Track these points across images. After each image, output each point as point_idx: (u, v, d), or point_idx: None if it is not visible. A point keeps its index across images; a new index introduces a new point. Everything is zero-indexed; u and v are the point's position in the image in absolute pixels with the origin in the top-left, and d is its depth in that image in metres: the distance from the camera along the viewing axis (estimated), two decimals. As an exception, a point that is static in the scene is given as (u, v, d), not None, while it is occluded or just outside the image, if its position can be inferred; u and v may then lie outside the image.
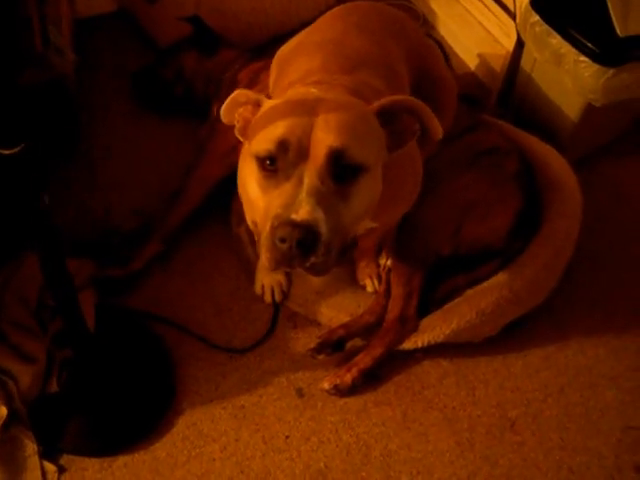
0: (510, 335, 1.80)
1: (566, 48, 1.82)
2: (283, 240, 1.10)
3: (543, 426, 1.70)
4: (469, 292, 1.73)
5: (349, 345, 1.77)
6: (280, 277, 1.84)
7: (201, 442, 1.66)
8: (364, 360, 1.71)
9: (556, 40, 1.84)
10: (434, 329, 1.71)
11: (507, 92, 2.18)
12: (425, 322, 1.73)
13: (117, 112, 2.21)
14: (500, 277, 1.72)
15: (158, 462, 1.63)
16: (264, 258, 1.15)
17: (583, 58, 1.80)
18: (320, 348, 1.73)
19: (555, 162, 1.87)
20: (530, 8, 1.87)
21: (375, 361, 1.71)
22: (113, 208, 2.00)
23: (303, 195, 1.11)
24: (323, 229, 1.10)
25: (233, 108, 1.29)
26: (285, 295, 1.84)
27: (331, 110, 1.17)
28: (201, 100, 2.12)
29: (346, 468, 1.64)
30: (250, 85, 1.96)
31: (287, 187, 1.13)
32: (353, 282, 1.85)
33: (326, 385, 1.71)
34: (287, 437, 1.67)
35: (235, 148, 1.79)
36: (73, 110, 2.02)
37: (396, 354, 1.75)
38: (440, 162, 1.77)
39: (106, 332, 1.72)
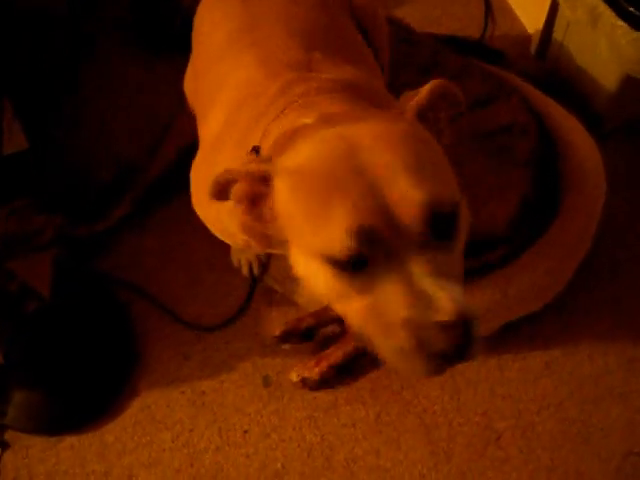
0: (509, 334, 1.59)
1: (603, 8, 1.55)
2: (438, 350, 0.80)
3: (532, 442, 1.51)
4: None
5: (329, 330, 1.61)
6: None
7: (153, 429, 1.54)
8: (335, 354, 1.54)
9: (592, -3, 1.56)
10: (414, 326, 1.52)
11: (543, 50, 1.91)
12: (405, 317, 1.54)
13: (114, 49, 2.00)
14: (494, 279, 1.50)
15: (105, 446, 1.52)
16: (406, 369, 0.84)
17: (621, 23, 1.52)
18: (285, 337, 1.56)
19: (581, 144, 1.61)
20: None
21: (347, 356, 1.54)
22: (95, 156, 1.82)
23: (427, 283, 0.80)
24: (470, 311, 0.80)
25: (225, 189, 0.95)
26: (265, 269, 1.68)
27: (381, 148, 0.85)
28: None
29: (304, 471, 1.49)
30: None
31: (394, 280, 0.82)
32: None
33: (293, 377, 1.55)
34: (245, 431, 1.53)
35: None
36: (63, 44, 1.86)
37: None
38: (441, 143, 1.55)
39: (63, 296, 1.60)
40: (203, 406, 1.56)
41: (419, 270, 0.81)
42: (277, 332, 1.57)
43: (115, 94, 1.93)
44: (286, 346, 1.57)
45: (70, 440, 1.53)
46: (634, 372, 1.58)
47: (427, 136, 0.93)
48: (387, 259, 0.82)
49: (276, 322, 1.62)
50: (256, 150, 1.05)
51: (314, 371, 1.54)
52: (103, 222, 1.70)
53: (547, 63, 1.87)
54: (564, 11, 1.68)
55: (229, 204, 1.15)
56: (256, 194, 0.92)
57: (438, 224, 0.82)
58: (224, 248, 1.69)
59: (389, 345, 0.83)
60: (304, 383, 1.54)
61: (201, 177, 1.30)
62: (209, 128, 1.27)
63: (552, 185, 1.59)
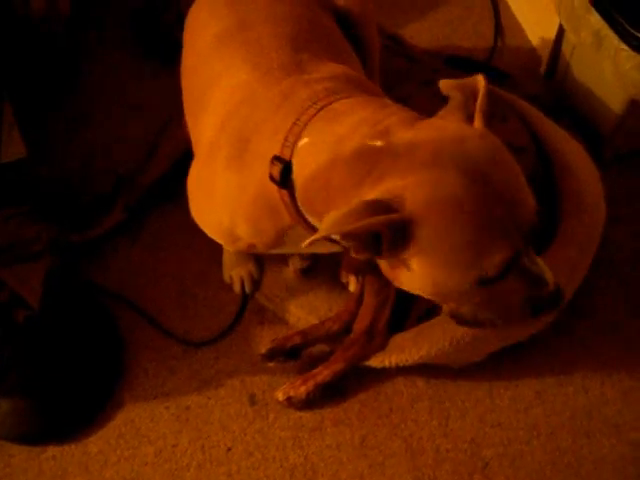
0: (501, 360, 1.55)
1: (607, 31, 1.51)
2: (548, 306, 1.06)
3: (520, 472, 1.47)
4: (444, 316, 1.48)
5: (317, 350, 1.59)
6: (251, 266, 1.65)
7: (136, 442, 1.52)
8: (323, 373, 1.51)
9: (596, 19, 1.53)
10: (403, 351, 1.48)
11: (552, 70, 1.87)
12: (394, 341, 1.50)
13: (113, 60, 2.01)
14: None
15: (88, 458, 1.51)
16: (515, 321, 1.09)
17: (625, 47, 1.48)
18: (271, 354, 1.54)
19: (582, 169, 1.57)
20: (569, -25, 1.56)
21: (335, 375, 1.51)
22: (93, 165, 1.83)
23: (540, 269, 1.03)
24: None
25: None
26: (257, 286, 1.66)
27: (496, 168, 0.95)
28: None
29: (285, 493, 1.48)
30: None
31: (514, 275, 1.00)
32: (331, 281, 1.64)
33: (280, 395, 1.52)
34: (229, 449, 1.51)
35: None
36: (51, 60, 1.87)
37: (366, 368, 1.55)
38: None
39: (52, 307, 1.59)
40: (187, 422, 1.54)
41: (528, 260, 1.00)
42: (263, 350, 1.54)
43: (114, 102, 1.93)
44: (272, 364, 1.54)
45: (53, 450, 1.51)
46: (630, 404, 1.53)
47: (497, 140, 1.01)
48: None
49: (266, 340, 1.60)
50: (279, 160, 1.06)
51: (300, 390, 1.52)
52: (95, 229, 1.70)
53: (554, 85, 1.84)
54: (569, 34, 1.64)
55: (231, 208, 1.19)
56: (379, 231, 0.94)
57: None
58: (217, 263, 1.68)
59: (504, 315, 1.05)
60: (290, 402, 1.52)
61: (199, 186, 1.30)
62: (203, 134, 1.27)
63: (549, 209, 1.56)
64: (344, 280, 1.64)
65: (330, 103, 1.07)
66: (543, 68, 1.90)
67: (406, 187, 0.92)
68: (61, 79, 1.94)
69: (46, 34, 1.80)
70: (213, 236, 1.35)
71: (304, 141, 1.05)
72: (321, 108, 1.06)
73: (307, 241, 0.94)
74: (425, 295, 1.03)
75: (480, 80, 1.01)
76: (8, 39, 1.72)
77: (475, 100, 1.01)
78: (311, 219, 1.09)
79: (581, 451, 1.49)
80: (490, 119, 1.62)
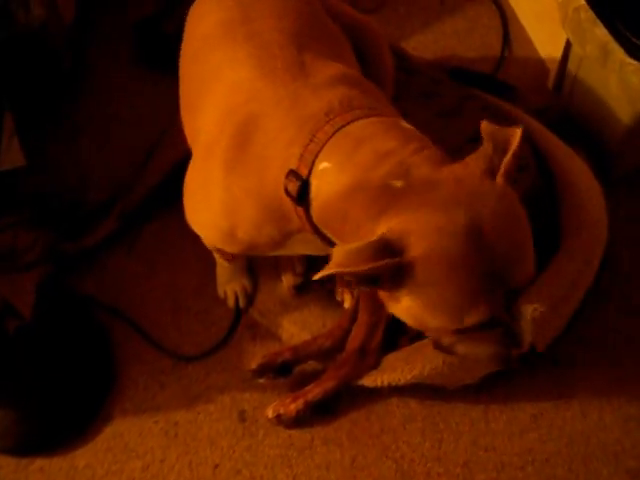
0: (497, 382, 1.51)
1: (613, 44, 1.47)
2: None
3: (513, 499, 1.44)
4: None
5: (309, 367, 1.56)
6: (245, 281, 1.63)
7: (124, 457, 1.50)
8: (313, 391, 1.49)
9: (602, 32, 1.48)
10: (395, 370, 1.45)
11: (559, 84, 1.83)
12: (387, 360, 1.47)
13: (114, 70, 1.99)
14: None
15: (75, 472, 1.50)
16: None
17: (631, 60, 1.44)
18: (261, 370, 1.51)
19: (584, 186, 1.52)
20: (575, -12, 1.52)
21: (326, 394, 1.48)
22: (90, 176, 1.81)
23: (517, 329, 1.02)
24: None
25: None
26: (250, 301, 1.64)
27: (500, 230, 0.95)
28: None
29: (272, 512, 1.45)
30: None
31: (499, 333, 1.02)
32: (325, 298, 1.61)
33: (270, 413, 1.50)
34: (216, 466, 1.49)
35: None
36: (52, 68, 1.86)
37: (358, 387, 1.52)
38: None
39: (44, 317, 1.58)
40: (176, 437, 1.52)
41: (511, 317, 0.99)
42: (253, 365, 1.52)
43: (112, 114, 1.92)
44: (262, 380, 1.52)
45: (41, 462, 1.50)
46: (630, 431, 1.48)
47: (515, 199, 1.00)
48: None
49: (258, 356, 1.57)
50: (297, 177, 1.05)
51: (290, 408, 1.49)
52: (89, 238, 1.69)
53: (561, 98, 1.79)
54: (575, 47, 1.60)
55: (231, 210, 1.18)
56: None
57: None
58: (211, 276, 1.66)
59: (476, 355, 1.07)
60: (279, 420, 1.49)
61: (196, 186, 1.28)
62: (201, 131, 1.25)
63: (549, 227, 1.52)
64: (339, 298, 1.61)
65: (347, 123, 1.05)
66: (551, 81, 1.85)
67: (413, 232, 0.94)
68: (61, 88, 1.92)
69: (47, 42, 1.79)
70: (208, 238, 1.33)
71: (324, 165, 1.04)
72: (339, 129, 1.05)
73: (317, 275, 0.94)
74: (408, 324, 1.04)
75: (516, 133, 0.98)
76: (9, 47, 1.71)
77: (505, 152, 0.98)
78: (324, 231, 1.09)
79: (577, 479, 1.45)
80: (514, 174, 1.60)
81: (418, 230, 0.94)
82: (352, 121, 1.06)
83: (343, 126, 1.05)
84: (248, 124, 1.12)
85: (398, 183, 0.98)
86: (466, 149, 1.55)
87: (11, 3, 1.58)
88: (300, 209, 1.07)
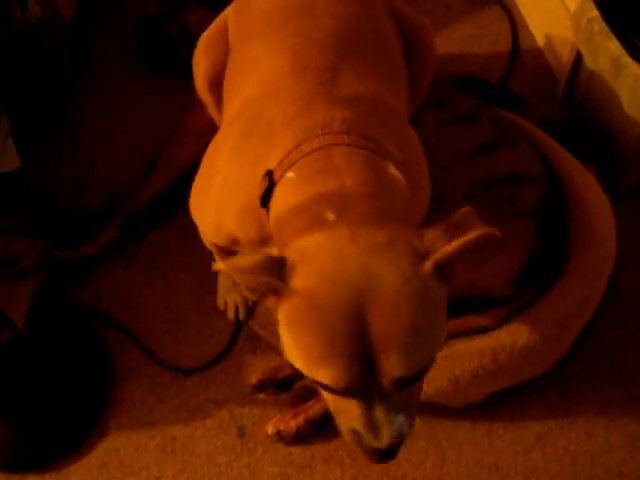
0: (502, 400, 1.48)
1: (626, 58, 1.44)
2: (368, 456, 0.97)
3: (517, 521, 1.42)
4: (442, 353, 1.41)
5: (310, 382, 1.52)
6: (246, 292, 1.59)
7: (119, 473, 1.47)
8: (315, 407, 1.46)
9: (615, 46, 1.45)
10: (399, 388, 1.42)
11: (569, 93, 1.79)
12: (391, 378, 1.44)
13: (115, 70, 1.96)
14: (482, 342, 1.39)
15: (69, 489, 1.47)
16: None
17: (644, 75, 1.41)
18: (262, 385, 1.48)
19: (594, 201, 1.50)
20: (590, -1, 1.48)
21: (327, 411, 1.45)
22: (89, 179, 1.78)
23: (379, 417, 0.91)
24: (405, 435, 0.95)
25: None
26: (251, 313, 1.60)
27: (388, 312, 0.86)
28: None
29: (270, 533, 1.42)
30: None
31: (359, 405, 0.91)
32: (328, 310, 1.58)
33: (269, 429, 1.47)
34: (214, 484, 1.46)
35: (213, 127, 1.54)
36: (51, 67, 1.81)
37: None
38: (444, 186, 1.46)
39: (39, 327, 1.54)
40: (173, 453, 1.48)
41: (381, 408, 0.91)
42: (253, 380, 1.49)
43: (113, 117, 1.88)
44: (262, 395, 1.49)
45: (33, 479, 1.46)
46: (635, 452, 1.46)
47: (437, 296, 0.90)
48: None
49: (258, 370, 1.54)
50: (269, 177, 1.02)
51: (290, 424, 1.46)
52: (89, 246, 1.65)
53: (570, 110, 1.76)
54: (587, 59, 1.56)
55: (220, 199, 1.16)
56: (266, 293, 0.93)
57: (409, 385, 0.91)
58: (211, 288, 1.62)
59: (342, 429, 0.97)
60: (279, 436, 1.46)
61: (203, 169, 1.26)
62: (227, 114, 1.25)
63: (558, 242, 1.49)
64: None
65: (336, 144, 1.01)
66: (561, 91, 1.82)
67: (307, 265, 0.89)
68: (61, 87, 1.88)
69: (46, 41, 1.74)
70: (200, 224, 1.30)
71: (290, 175, 1.01)
72: (324, 146, 1.01)
73: (214, 267, 0.93)
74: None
75: (478, 231, 0.87)
76: (7, 46, 1.67)
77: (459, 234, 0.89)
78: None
79: (582, 500, 1.43)
80: (499, 147, 1.55)
81: (312, 267, 0.89)
82: (342, 145, 1.01)
83: (330, 145, 1.01)
84: (258, 116, 1.11)
85: (330, 216, 0.93)
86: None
87: (9, 2, 1.53)
88: (264, 213, 1.05)
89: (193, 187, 1.29)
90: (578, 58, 1.68)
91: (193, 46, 1.87)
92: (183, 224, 1.69)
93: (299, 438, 1.46)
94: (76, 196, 1.75)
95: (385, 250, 0.89)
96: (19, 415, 1.49)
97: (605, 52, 1.48)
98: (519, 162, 1.52)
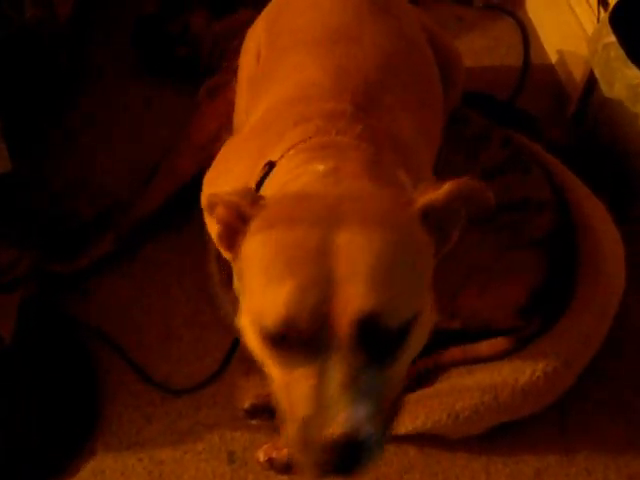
0: (502, 433, 1.44)
1: (644, 86, 1.39)
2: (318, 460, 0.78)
3: None
4: (444, 385, 1.38)
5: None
6: None
7: (104, 497, 1.43)
8: (308, 437, 1.41)
9: (634, 73, 1.39)
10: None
11: (581, 113, 1.74)
12: (388, 408, 1.40)
13: (113, 71, 1.91)
14: (484, 378, 1.35)
15: (51, 512, 1.42)
16: (299, 461, 0.82)
17: (661, 104, 1.36)
18: (254, 411, 1.43)
19: (603, 232, 1.45)
20: (607, 23, 1.42)
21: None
22: (80, 188, 1.72)
23: (334, 392, 0.77)
24: (367, 434, 0.77)
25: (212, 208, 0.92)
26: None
27: (356, 238, 0.80)
28: (204, 68, 1.79)
29: None
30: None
31: (309, 373, 0.79)
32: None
33: (261, 456, 1.41)
34: (201, 512, 1.42)
35: (214, 141, 1.55)
36: (48, 67, 1.75)
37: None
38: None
39: (25, 340, 1.49)
40: (160, 477, 1.43)
41: (336, 376, 0.78)
42: (246, 405, 1.43)
43: (112, 120, 1.83)
44: (254, 421, 1.44)
45: (17, 500, 1.43)
46: (635, 491, 1.42)
47: (417, 244, 0.86)
48: (312, 351, 0.78)
49: (251, 393, 1.49)
50: (270, 166, 1.01)
51: (283, 452, 1.41)
52: (81, 260, 1.60)
53: (582, 133, 1.70)
54: (602, 85, 1.50)
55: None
56: (231, 229, 0.89)
57: (376, 339, 0.78)
58: (207, 304, 1.57)
59: (288, 431, 0.82)
60: (271, 464, 1.41)
61: (223, 155, 1.27)
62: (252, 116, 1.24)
63: (566, 274, 1.44)
64: None
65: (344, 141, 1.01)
66: (571, 110, 1.76)
67: (272, 207, 0.87)
68: (57, 88, 1.83)
69: (42, 41, 1.69)
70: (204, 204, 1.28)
71: (291, 152, 1.01)
72: (331, 139, 1.01)
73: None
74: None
75: (457, 181, 0.86)
76: (2, 47, 1.61)
77: None
78: None
79: (580, 540, 1.39)
80: (509, 171, 1.50)
81: (287, 196, 0.89)
82: (352, 141, 1.01)
83: (339, 141, 1.01)
84: (277, 116, 1.11)
85: (320, 167, 0.93)
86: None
87: (3, 2, 1.47)
88: None
89: (205, 179, 1.28)
90: (591, 78, 1.63)
91: (195, 48, 1.83)
92: (179, 238, 1.66)
93: (291, 467, 1.42)
94: (70, 203, 1.70)
95: (370, 190, 0.89)
96: (2, 432, 1.44)
97: (622, 78, 1.43)
98: (529, 188, 1.47)
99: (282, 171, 0.99)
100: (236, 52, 1.66)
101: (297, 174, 0.95)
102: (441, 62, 1.38)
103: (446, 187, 0.85)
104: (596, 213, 1.48)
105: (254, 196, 0.89)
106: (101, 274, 1.62)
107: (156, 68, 1.89)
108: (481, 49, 1.90)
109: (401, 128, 1.11)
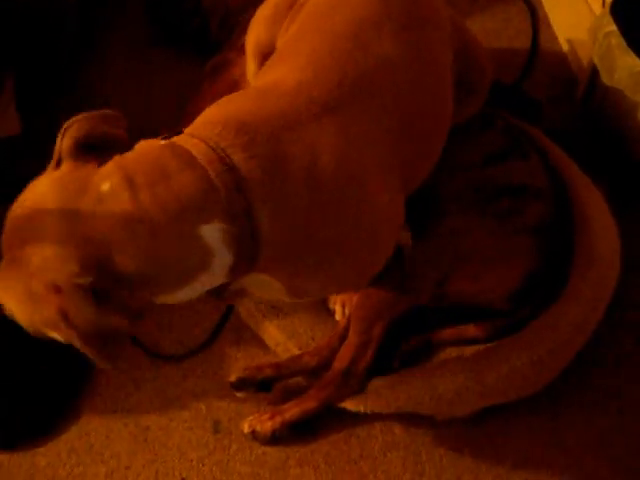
0: (489, 416, 1.42)
1: (645, 74, 1.36)
2: None
3: (492, 542, 1.36)
4: (428, 366, 1.37)
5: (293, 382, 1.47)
6: None
7: (88, 459, 1.43)
8: (292, 411, 1.40)
9: (634, 61, 1.37)
10: (379, 397, 1.36)
11: (588, 99, 1.71)
12: (373, 385, 1.37)
13: (127, 42, 1.90)
14: (468, 362, 1.33)
15: (36, 470, 1.43)
16: None
17: (665, 90, 1.33)
18: (240, 384, 1.43)
19: (600, 221, 1.43)
20: (607, 13, 1.39)
21: (305, 414, 1.39)
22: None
23: None
24: None
25: None
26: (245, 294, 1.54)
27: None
28: (213, 41, 1.78)
29: (237, 533, 1.38)
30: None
31: None
32: (317, 307, 1.52)
33: (245, 427, 1.42)
34: (183, 479, 1.41)
35: None
36: (57, 35, 1.75)
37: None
38: (447, 191, 1.39)
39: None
40: (145, 442, 1.44)
41: None
42: (233, 378, 1.43)
43: (121, 88, 1.83)
44: (240, 394, 1.44)
45: (1, 458, 1.44)
46: (623, 481, 1.41)
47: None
48: None
49: (241, 363, 1.50)
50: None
51: (266, 425, 1.41)
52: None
53: (585, 119, 1.67)
54: (602, 73, 1.48)
55: None
56: None
57: None
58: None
59: None
60: (254, 436, 1.41)
61: None
62: None
63: (560, 261, 1.42)
64: (331, 306, 1.52)
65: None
66: (579, 97, 1.73)
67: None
68: (67, 56, 1.83)
69: (53, 9, 1.69)
70: None
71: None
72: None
73: None
74: None
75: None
76: (15, 14, 1.61)
77: None
78: None
79: (560, 528, 1.37)
80: (508, 157, 1.47)
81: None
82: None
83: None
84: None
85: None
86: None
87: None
88: None
89: None
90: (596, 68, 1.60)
91: (207, 21, 1.81)
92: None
93: (274, 439, 1.41)
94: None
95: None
96: (-9, 390, 1.46)
97: (623, 66, 1.40)
98: (526, 174, 1.44)
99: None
100: (244, 28, 1.65)
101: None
102: (466, 70, 1.35)
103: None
104: (593, 202, 1.45)
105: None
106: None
107: (170, 39, 1.88)
108: (490, 30, 1.87)
109: (321, 154, 1.03)
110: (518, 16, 1.90)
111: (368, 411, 1.38)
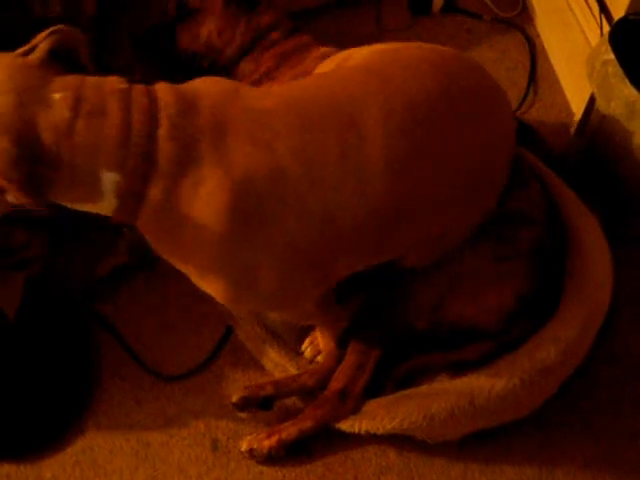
0: (482, 442, 1.46)
1: (640, 104, 1.40)
2: None
3: None
4: (422, 388, 1.41)
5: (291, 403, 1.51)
6: None
7: (91, 473, 1.47)
8: (289, 430, 1.44)
9: (630, 91, 1.41)
10: (374, 418, 1.40)
11: (582, 128, 1.75)
12: (368, 406, 1.42)
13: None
14: (461, 382, 1.38)
15: (41, 482, 1.48)
16: None
17: (658, 123, 1.37)
18: (243, 404, 1.47)
19: (593, 248, 1.46)
20: (606, 41, 1.44)
21: (301, 434, 1.43)
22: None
23: None
24: None
25: None
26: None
27: None
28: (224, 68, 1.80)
29: None
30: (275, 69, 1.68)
31: None
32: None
33: (243, 445, 1.46)
34: (182, 494, 1.46)
35: None
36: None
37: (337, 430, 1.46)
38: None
39: (28, 318, 1.55)
40: (146, 458, 1.48)
41: None
42: (235, 398, 1.47)
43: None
44: (243, 414, 1.48)
45: (8, 468, 1.48)
46: (613, 509, 1.43)
47: None
48: None
49: (239, 383, 1.54)
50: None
51: (263, 444, 1.44)
52: (101, 268, 1.64)
53: (581, 148, 1.71)
54: (599, 102, 1.52)
55: None
56: None
57: None
58: (202, 297, 1.61)
59: None
60: (251, 454, 1.45)
61: None
62: None
63: (552, 283, 1.46)
64: (302, 348, 1.57)
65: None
66: (574, 125, 1.77)
67: None
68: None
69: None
70: None
71: None
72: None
73: None
74: None
75: None
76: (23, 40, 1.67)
77: None
78: None
79: None
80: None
81: None
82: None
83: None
84: None
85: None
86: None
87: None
88: None
89: None
90: (592, 98, 1.64)
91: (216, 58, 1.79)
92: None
93: (270, 458, 1.45)
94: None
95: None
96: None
97: (619, 95, 1.44)
98: (524, 202, 1.47)
99: None
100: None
101: None
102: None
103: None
104: (588, 229, 1.49)
105: None
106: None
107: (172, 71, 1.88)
108: (488, 60, 1.91)
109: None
110: (516, 47, 1.95)
111: (362, 432, 1.42)
